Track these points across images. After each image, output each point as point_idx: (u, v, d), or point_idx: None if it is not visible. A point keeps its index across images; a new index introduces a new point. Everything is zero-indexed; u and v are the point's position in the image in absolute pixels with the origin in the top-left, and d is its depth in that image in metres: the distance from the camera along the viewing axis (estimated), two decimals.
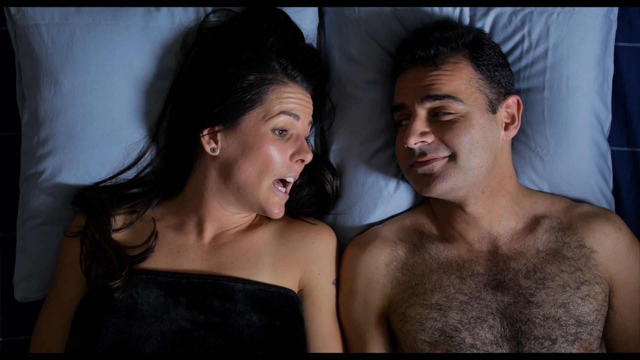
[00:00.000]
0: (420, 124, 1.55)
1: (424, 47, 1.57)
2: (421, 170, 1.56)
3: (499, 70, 1.60)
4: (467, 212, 1.60)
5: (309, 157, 1.60)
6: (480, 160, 1.55)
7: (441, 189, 1.55)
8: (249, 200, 1.58)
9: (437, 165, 1.55)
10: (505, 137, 1.61)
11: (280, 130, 1.56)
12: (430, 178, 1.55)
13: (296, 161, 1.58)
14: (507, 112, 1.61)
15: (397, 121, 1.64)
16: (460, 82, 1.55)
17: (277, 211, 1.59)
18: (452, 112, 1.54)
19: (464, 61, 1.57)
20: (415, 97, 1.56)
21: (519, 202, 1.63)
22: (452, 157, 1.54)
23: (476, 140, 1.54)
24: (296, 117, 1.58)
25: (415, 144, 1.55)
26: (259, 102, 1.55)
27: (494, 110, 1.58)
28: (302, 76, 1.61)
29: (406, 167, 1.62)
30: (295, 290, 1.60)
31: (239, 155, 1.56)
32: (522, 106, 1.63)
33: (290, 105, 1.57)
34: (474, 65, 1.57)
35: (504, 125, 1.61)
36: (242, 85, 1.55)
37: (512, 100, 1.62)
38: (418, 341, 1.55)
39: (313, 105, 1.65)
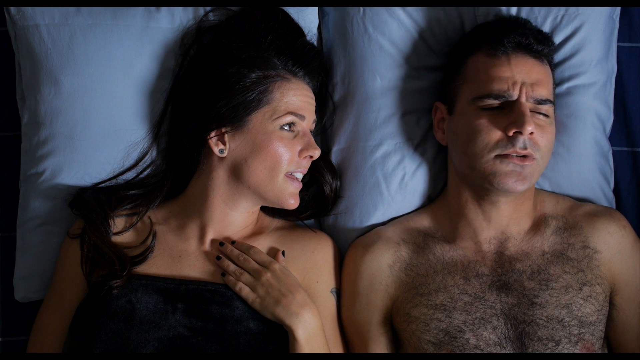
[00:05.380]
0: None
1: (540, 42, 1.57)
2: (514, 165, 1.52)
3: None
4: (499, 209, 1.59)
5: (317, 153, 1.60)
6: (545, 166, 1.58)
7: (523, 188, 1.54)
8: (263, 195, 1.58)
9: (529, 166, 1.53)
10: None
11: (288, 125, 1.57)
12: (520, 176, 1.52)
13: (304, 157, 1.59)
14: None
15: (486, 107, 1.54)
16: (553, 86, 1.59)
17: (293, 202, 1.59)
18: (549, 116, 1.56)
19: (549, 66, 1.60)
20: (527, 89, 1.53)
21: (533, 203, 1.64)
22: (538, 160, 1.54)
23: (552, 147, 1.58)
24: (302, 117, 1.58)
25: (530, 133, 1.51)
26: (265, 101, 1.56)
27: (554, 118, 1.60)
28: (304, 71, 1.62)
29: (488, 155, 1.53)
30: None
31: (249, 155, 1.56)
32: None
33: (297, 104, 1.57)
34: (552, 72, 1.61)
35: None
36: (245, 84, 1.55)
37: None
38: (423, 341, 1.55)
39: (315, 102, 1.65)
